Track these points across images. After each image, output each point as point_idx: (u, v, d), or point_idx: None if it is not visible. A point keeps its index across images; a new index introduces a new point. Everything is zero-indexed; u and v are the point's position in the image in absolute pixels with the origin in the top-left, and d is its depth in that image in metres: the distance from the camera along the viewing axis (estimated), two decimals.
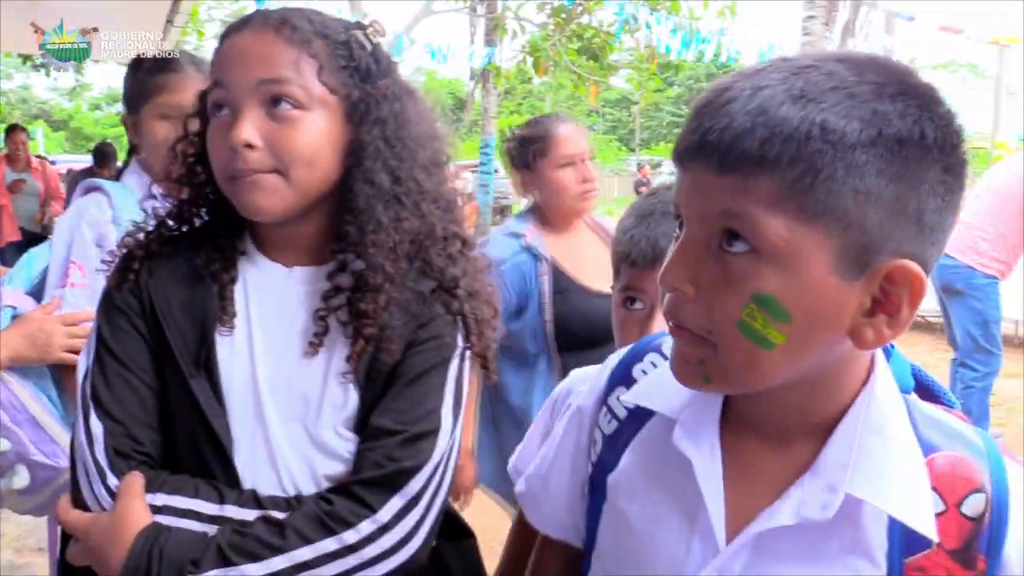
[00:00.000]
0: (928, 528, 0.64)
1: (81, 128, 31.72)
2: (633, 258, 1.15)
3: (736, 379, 0.65)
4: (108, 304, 1.00)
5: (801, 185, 0.58)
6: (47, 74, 19.63)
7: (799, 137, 0.58)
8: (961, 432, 0.70)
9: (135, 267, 1.00)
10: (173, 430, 0.98)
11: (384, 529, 0.92)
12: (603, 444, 0.81)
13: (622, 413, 0.80)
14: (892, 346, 0.75)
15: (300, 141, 0.93)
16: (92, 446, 0.95)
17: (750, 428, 0.72)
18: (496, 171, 12.17)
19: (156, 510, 0.92)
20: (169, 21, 7.12)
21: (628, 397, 0.78)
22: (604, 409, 0.83)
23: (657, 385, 0.77)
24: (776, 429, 0.70)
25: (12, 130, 7.24)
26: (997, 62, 14.80)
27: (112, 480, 0.93)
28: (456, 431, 0.99)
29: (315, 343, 0.97)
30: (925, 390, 0.79)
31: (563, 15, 8.36)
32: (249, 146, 0.91)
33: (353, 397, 0.97)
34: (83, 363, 1.00)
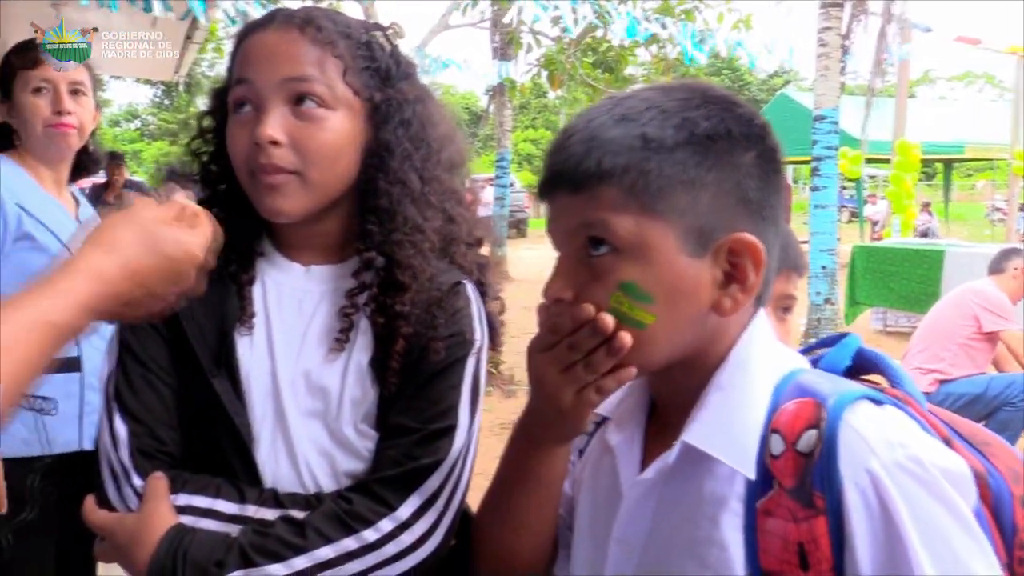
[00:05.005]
0: (743, 464, 0.71)
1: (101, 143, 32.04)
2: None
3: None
4: None
5: (638, 187, 0.72)
6: None
7: (627, 151, 0.72)
8: (835, 384, 0.74)
9: None
10: (192, 428, 0.99)
11: (403, 527, 0.93)
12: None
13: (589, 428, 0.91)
14: (846, 335, 0.85)
15: (324, 140, 0.95)
16: (117, 447, 0.96)
17: (663, 414, 0.84)
18: (511, 184, 12.12)
19: (178, 510, 0.93)
20: (188, 37, 7.20)
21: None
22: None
23: None
24: (674, 409, 0.80)
25: None
26: (1015, 72, 14.67)
27: (137, 480, 0.95)
28: (473, 428, 1.00)
29: (341, 339, 0.98)
30: (872, 365, 0.84)
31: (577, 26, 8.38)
32: (274, 142, 0.93)
33: (372, 393, 0.99)
34: (106, 366, 1.02)
